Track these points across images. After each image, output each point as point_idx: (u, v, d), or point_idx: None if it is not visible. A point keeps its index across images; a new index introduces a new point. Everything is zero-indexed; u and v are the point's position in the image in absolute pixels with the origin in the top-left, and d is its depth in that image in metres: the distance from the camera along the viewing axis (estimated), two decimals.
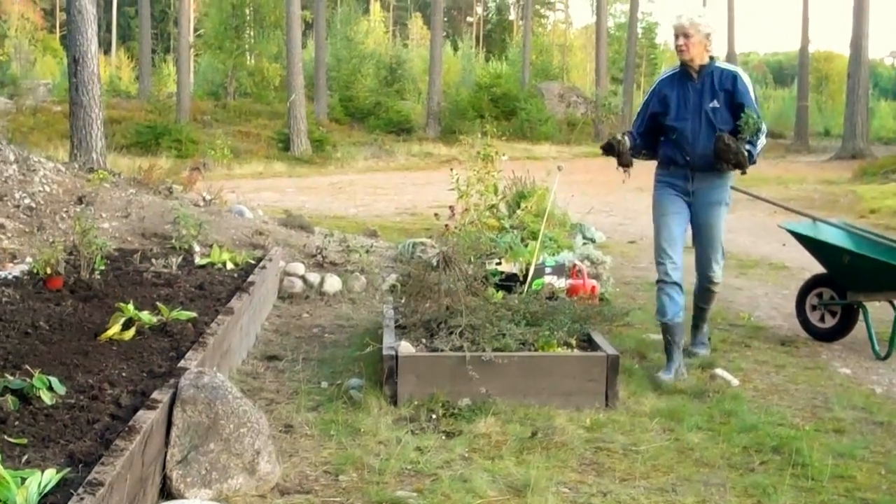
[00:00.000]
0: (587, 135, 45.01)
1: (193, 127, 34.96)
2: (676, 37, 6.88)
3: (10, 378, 4.63)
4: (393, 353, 6.12)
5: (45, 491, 3.47)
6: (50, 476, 3.52)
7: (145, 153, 27.68)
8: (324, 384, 6.49)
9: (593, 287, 9.02)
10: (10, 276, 7.45)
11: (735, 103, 6.81)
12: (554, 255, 9.86)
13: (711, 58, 6.96)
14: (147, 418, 4.18)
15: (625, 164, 7.15)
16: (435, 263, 6.95)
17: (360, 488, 4.76)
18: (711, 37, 6.89)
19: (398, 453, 5.17)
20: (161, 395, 4.52)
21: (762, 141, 6.76)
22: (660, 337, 7.23)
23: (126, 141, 30.12)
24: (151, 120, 33.13)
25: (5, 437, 3.99)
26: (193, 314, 6.30)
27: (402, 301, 7.49)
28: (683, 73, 7.00)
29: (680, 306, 6.93)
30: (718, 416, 6.02)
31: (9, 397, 4.45)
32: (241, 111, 41.80)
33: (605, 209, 18.65)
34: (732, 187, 7.20)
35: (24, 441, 4.02)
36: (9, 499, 3.35)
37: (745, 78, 6.90)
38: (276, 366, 7.00)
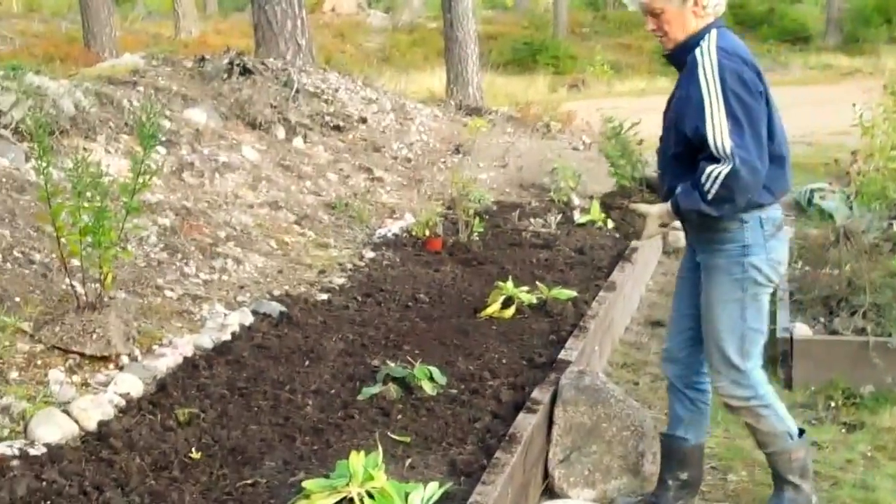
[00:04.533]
0: None
1: (571, 41, 35.04)
2: (646, 19, 4.45)
3: (392, 365, 4.93)
4: (788, 335, 5.98)
5: None
6: (432, 491, 3.72)
7: (522, 71, 28.16)
8: None
9: None
10: (389, 234, 7.87)
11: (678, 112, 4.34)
12: None
13: (710, 26, 4.37)
14: (528, 424, 4.32)
15: None
16: (833, 238, 6.71)
17: (749, 491, 4.72)
18: None
19: None
20: (541, 395, 4.66)
21: (712, 184, 3.97)
22: None
23: (502, 59, 30.69)
24: (528, 36, 33.57)
25: (389, 433, 4.26)
26: (573, 293, 6.37)
27: (798, 266, 7.25)
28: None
29: (678, 417, 4.52)
30: None
31: (391, 386, 4.75)
32: (621, 22, 41.41)
33: None
34: None
35: (408, 440, 4.29)
36: None
37: (703, 61, 4.23)
38: (660, 333, 6.97)
